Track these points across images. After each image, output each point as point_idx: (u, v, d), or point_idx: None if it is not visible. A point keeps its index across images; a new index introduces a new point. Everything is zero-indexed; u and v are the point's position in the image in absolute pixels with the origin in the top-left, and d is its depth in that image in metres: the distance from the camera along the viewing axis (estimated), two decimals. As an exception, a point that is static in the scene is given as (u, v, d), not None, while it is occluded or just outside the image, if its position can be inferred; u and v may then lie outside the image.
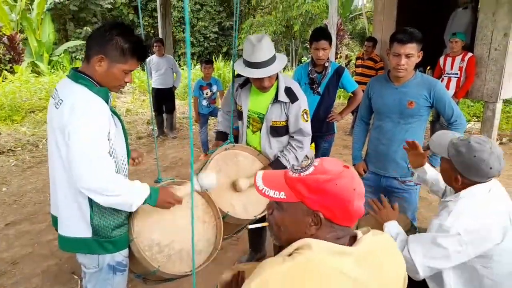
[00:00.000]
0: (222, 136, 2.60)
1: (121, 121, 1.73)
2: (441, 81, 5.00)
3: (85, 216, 1.62)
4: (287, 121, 2.32)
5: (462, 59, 4.80)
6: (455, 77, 4.89)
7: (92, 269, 1.73)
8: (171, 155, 5.71)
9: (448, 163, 1.64)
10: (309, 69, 3.24)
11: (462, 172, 1.59)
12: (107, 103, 1.61)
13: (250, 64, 2.13)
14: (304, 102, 2.31)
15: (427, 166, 2.03)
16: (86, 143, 1.46)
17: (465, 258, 1.52)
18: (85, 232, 1.63)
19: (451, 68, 4.91)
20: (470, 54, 4.75)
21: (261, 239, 2.95)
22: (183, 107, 8.50)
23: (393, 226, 1.78)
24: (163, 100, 6.34)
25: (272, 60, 2.13)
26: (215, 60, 12.28)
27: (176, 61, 7.14)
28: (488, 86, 4.78)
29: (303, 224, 0.96)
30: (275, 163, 2.36)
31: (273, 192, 1.00)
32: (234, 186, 2.25)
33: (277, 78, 2.28)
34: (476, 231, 1.49)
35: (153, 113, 6.60)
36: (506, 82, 4.74)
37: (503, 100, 5.06)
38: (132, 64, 1.61)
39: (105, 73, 1.58)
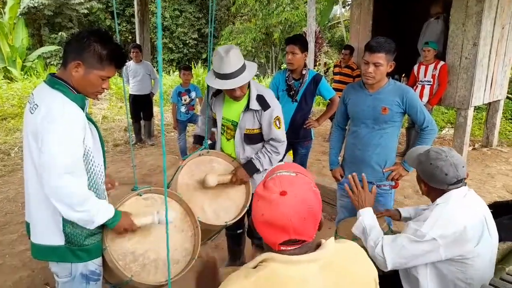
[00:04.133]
0: (199, 140, 2.61)
1: (97, 128, 1.71)
2: (415, 88, 5.14)
3: (58, 224, 1.59)
4: (260, 128, 2.34)
5: (435, 67, 4.95)
6: (429, 84, 5.04)
7: (64, 278, 1.69)
8: (149, 163, 5.63)
9: (417, 173, 1.78)
10: (287, 75, 3.27)
11: (424, 179, 1.72)
12: (83, 110, 1.59)
13: (220, 76, 2.14)
14: (276, 109, 2.32)
15: (402, 212, 2.16)
16: (58, 153, 1.44)
17: (436, 259, 1.57)
18: (58, 239, 1.60)
19: (425, 76, 5.06)
20: (442, 63, 4.91)
21: (240, 247, 2.94)
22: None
23: (367, 216, 1.83)
24: (141, 106, 6.26)
25: (241, 70, 2.14)
26: (194, 67, 12.24)
27: (154, 67, 7.08)
28: (459, 94, 4.94)
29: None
30: (248, 165, 2.36)
31: None
32: (203, 184, 2.26)
33: (249, 86, 2.29)
34: (451, 236, 1.53)
35: (130, 120, 6.50)
36: (476, 89, 4.92)
37: (475, 107, 5.24)
38: (110, 70, 1.60)
39: (82, 79, 1.56)
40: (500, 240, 2.27)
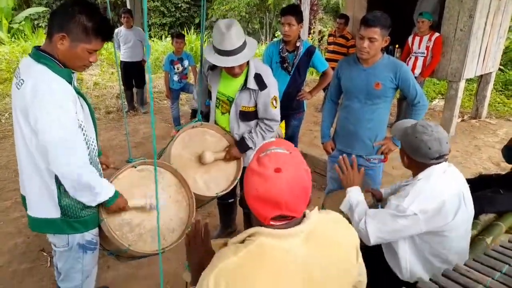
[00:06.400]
0: (195, 115, 2.62)
1: (87, 102, 1.70)
2: (409, 60, 5.12)
3: (53, 197, 1.61)
4: (256, 106, 2.35)
5: (429, 39, 4.92)
6: (422, 56, 5.02)
7: (61, 248, 1.74)
8: (142, 131, 5.63)
9: (402, 147, 1.82)
10: (281, 47, 3.24)
11: (407, 152, 1.76)
12: (71, 84, 1.56)
13: (220, 52, 2.12)
14: (273, 89, 2.33)
15: (383, 191, 2.23)
16: (53, 129, 1.45)
17: (416, 232, 1.66)
18: (54, 212, 1.64)
19: (419, 47, 5.03)
20: (437, 34, 4.87)
21: (231, 215, 3.03)
22: (154, 81, 8.30)
23: (355, 193, 1.90)
24: (133, 74, 6.15)
25: (241, 48, 2.12)
26: (187, 33, 11.92)
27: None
28: (452, 66, 4.95)
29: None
30: (240, 143, 2.40)
31: None
32: (200, 159, 2.32)
33: (248, 63, 2.28)
34: (431, 210, 1.61)
35: (122, 87, 6.41)
36: (469, 62, 4.93)
37: (466, 79, 5.27)
38: (97, 44, 1.56)
39: (67, 52, 1.53)
40: (483, 212, 2.38)
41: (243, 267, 0.93)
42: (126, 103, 6.45)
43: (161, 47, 10.72)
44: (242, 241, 1.00)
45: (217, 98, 2.47)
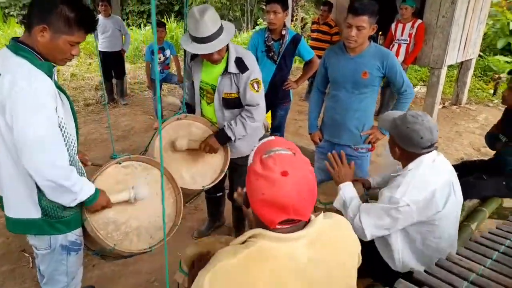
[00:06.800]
0: (189, 109, 2.51)
1: (68, 98, 1.62)
2: (392, 47, 5.14)
3: (33, 197, 1.54)
4: (239, 93, 2.27)
5: (412, 26, 4.93)
6: (405, 43, 5.04)
7: (44, 251, 1.67)
8: (123, 123, 5.49)
9: (391, 137, 1.81)
10: (266, 36, 3.18)
11: (399, 143, 1.74)
12: (51, 78, 1.49)
13: (196, 39, 2.04)
14: (255, 72, 2.24)
15: (372, 180, 2.23)
16: (31, 126, 1.37)
17: (409, 223, 1.66)
18: (34, 213, 1.56)
19: (402, 35, 5.05)
20: (419, 21, 4.89)
21: (219, 208, 2.99)
22: (134, 71, 8.10)
23: (348, 189, 1.88)
24: (112, 64, 5.96)
25: (218, 33, 2.04)
26: (167, 21, 11.66)
27: (124, 20, 6.66)
28: (434, 53, 4.99)
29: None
30: (219, 133, 2.30)
31: None
32: (174, 147, 2.26)
33: (228, 48, 2.21)
34: (423, 200, 1.61)
35: (103, 79, 6.25)
36: (451, 49, 4.97)
37: (447, 65, 5.32)
38: (80, 36, 1.48)
39: (48, 44, 1.45)
40: (466, 198, 2.41)
41: (242, 269, 0.90)
42: (105, 95, 6.27)
43: (140, 36, 10.46)
44: (243, 242, 0.96)
45: (200, 88, 2.39)
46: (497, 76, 7.05)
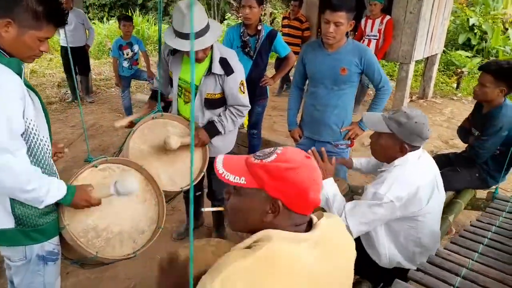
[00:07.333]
0: (156, 96, 2.36)
1: (38, 96, 1.50)
2: (362, 42, 5.21)
3: (5, 205, 1.42)
4: (222, 93, 2.22)
5: (381, 22, 5.03)
6: (374, 39, 5.13)
7: (18, 262, 1.55)
8: (90, 122, 5.26)
9: (390, 138, 1.70)
10: (241, 31, 3.12)
11: (406, 140, 1.67)
12: (20, 76, 1.37)
13: (181, 35, 1.95)
14: (240, 74, 2.21)
15: (354, 161, 2.24)
16: None
17: (393, 218, 1.67)
18: (6, 222, 1.44)
19: (371, 30, 5.13)
20: (388, 17, 4.99)
21: (198, 208, 2.91)
22: (99, 67, 7.78)
23: (330, 186, 1.86)
24: (75, 60, 5.66)
25: (204, 30, 1.97)
26: (132, 14, 11.27)
27: (85, 13, 6.34)
28: (403, 48, 5.12)
29: (261, 211, 0.95)
30: (209, 126, 2.25)
31: (233, 177, 0.97)
32: (165, 146, 2.12)
33: (211, 47, 2.14)
34: (406, 196, 1.62)
35: (65, 75, 5.93)
36: (418, 44, 5.12)
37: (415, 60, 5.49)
38: (49, 30, 1.37)
39: (14, 40, 1.33)
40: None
41: (253, 273, 0.85)
42: (69, 92, 5.99)
43: (104, 30, 10.06)
44: (249, 247, 0.91)
45: (179, 86, 2.30)
46: (459, 70, 7.35)
